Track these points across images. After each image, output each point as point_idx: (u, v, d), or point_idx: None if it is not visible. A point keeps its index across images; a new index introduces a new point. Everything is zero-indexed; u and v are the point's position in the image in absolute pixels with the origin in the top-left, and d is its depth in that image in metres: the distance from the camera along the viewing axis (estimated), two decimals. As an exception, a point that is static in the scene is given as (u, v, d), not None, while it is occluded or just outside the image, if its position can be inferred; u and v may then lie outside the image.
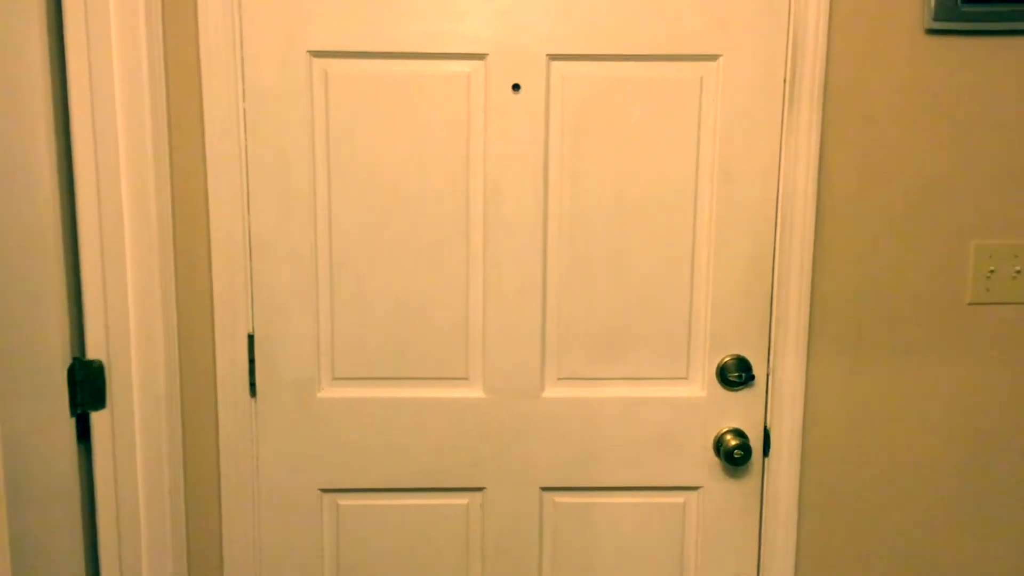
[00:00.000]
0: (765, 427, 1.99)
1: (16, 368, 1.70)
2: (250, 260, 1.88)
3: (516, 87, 1.86)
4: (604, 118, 1.88)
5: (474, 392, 1.97)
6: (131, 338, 1.79)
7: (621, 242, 1.92)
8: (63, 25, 1.66)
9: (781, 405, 1.96)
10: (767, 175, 1.90)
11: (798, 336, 1.94)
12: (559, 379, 1.97)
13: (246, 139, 1.84)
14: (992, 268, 1.93)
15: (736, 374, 1.94)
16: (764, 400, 1.98)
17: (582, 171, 1.89)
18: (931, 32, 1.85)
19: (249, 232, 1.87)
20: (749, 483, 2.01)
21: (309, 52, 1.82)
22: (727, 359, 1.96)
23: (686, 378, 1.98)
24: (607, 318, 1.95)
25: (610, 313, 1.95)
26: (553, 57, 1.85)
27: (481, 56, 1.84)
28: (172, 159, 1.83)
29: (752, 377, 1.96)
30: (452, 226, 1.90)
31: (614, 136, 1.88)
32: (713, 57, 1.86)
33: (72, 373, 1.74)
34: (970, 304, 1.95)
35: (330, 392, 1.96)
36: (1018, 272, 1.93)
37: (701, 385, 1.98)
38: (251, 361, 1.92)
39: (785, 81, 1.87)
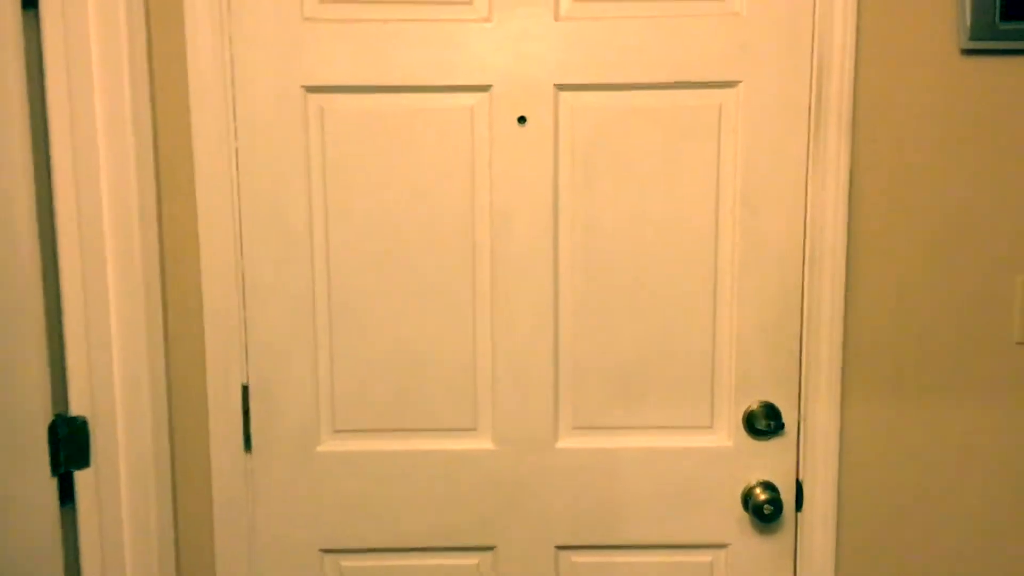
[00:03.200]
0: (797, 480, 1.85)
1: (-7, 425, 1.60)
2: (244, 306, 1.78)
3: (522, 119, 1.75)
4: (617, 150, 1.76)
5: (483, 443, 1.84)
6: (116, 392, 1.69)
7: (638, 280, 1.80)
8: (42, 67, 1.58)
9: (814, 455, 1.82)
10: (793, 207, 1.78)
11: (831, 379, 1.80)
12: (574, 428, 1.84)
13: (238, 179, 1.74)
14: (1040, 303, 1.79)
15: (764, 422, 1.80)
16: (795, 450, 1.84)
17: (594, 205, 1.78)
18: (967, 52, 1.73)
19: (243, 277, 1.77)
20: (781, 540, 1.86)
21: (303, 87, 1.73)
22: (754, 406, 1.83)
23: (710, 427, 1.84)
24: (624, 361, 1.82)
25: (627, 356, 1.82)
26: (561, 87, 1.75)
27: (485, 88, 1.74)
28: (160, 202, 1.73)
29: (782, 425, 1.82)
30: (458, 266, 1.78)
31: (628, 168, 1.77)
32: (732, 83, 1.75)
33: (54, 430, 1.64)
34: (1019, 344, 1.80)
35: (330, 445, 1.84)
36: (1069, 307, 1.79)
37: (727, 434, 1.84)
38: (246, 413, 1.81)
39: (810, 107, 1.75)
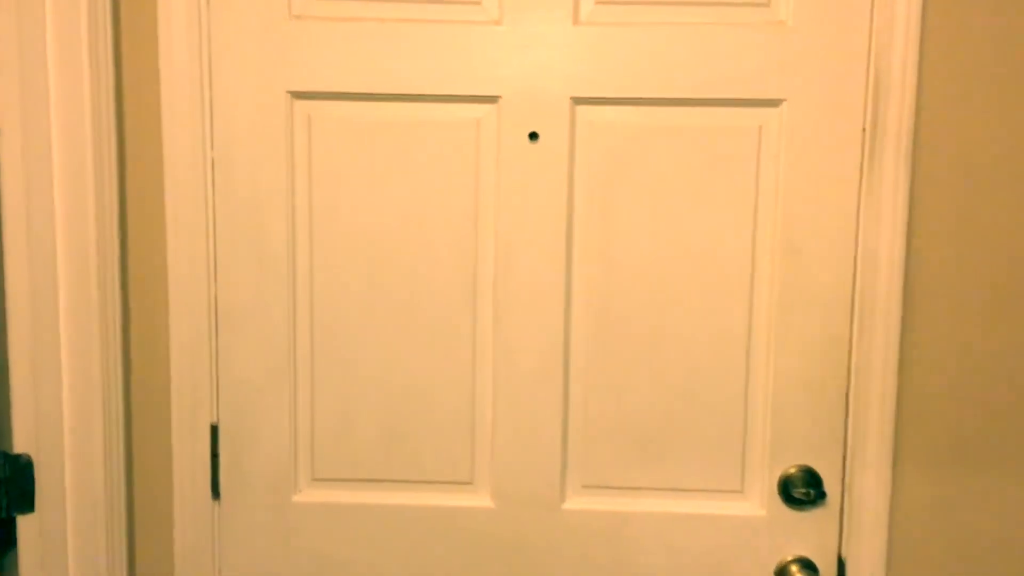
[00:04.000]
0: (839, 557, 1.60)
1: (-77, 462, 1.42)
2: (215, 336, 1.59)
3: (534, 136, 1.55)
4: (640, 173, 1.55)
5: (481, 500, 1.63)
6: (66, 428, 1.50)
7: (661, 321, 1.58)
8: (-7, 57, 1.41)
9: (860, 530, 1.58)
10: (841, 244, 1.55)
11: (881, 443, 1.56)
12: (583, 487, 1.62)
13: (214, 194, 1.56)
14: None
15: (803, 490, 1.56)
16: (838, 523, 1.60)
17: (613, 236, 1.56)
18: (1050, 71, 1.49)
19: (215, 303, 1.58)
20: (818, 627, 1.62)
21: (290, 93, 1.54)
22: (791, 470, 1.59)
23: (741, 491, 1.61)
24: (643, 414, 1.60)
25: (647, 408, 1.60)
26: (578, 100, 1.54)
27: (493, 99, 1.54)
28: (124, 218, 1.55)
29: (823, 494, 1.58)
30: (457, 299, 1.58)
31: (652, 195, 1.55)
32: (775, 102, 1.53)
33: (-6, 469, 1.46)
34: (1103, 411, 1.55)
35: (308, 495, 1.63)
36: None
37: (759, 502, 1.61)
38: (214, 456, 1.61)
39: (864, 130, 1.52)
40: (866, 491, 1.57)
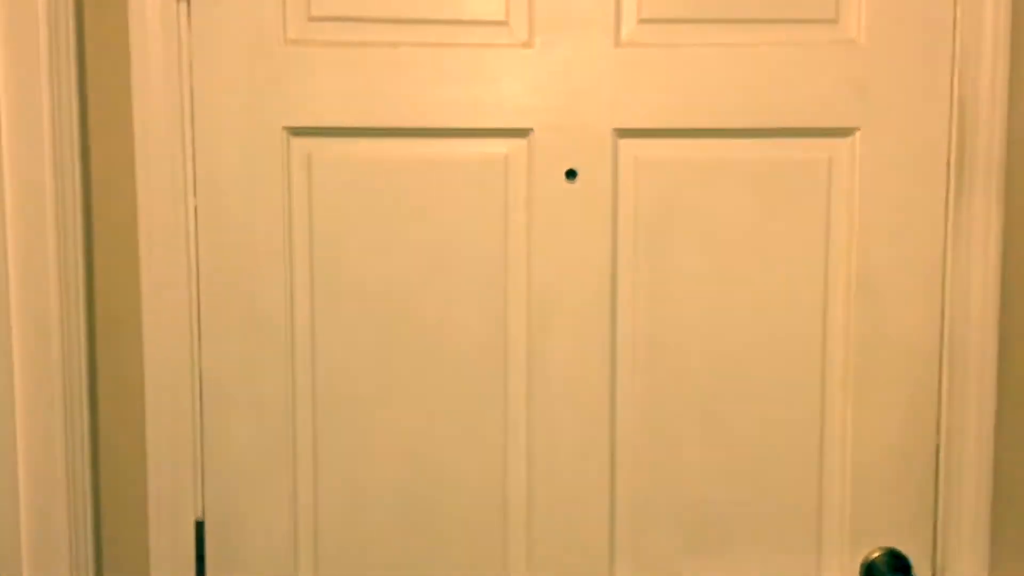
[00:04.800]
0: (935, 655, 1.39)
1: None
2: (200, 413, 1.35)
3: (571, 173, 1.34)
4: (693, 214, 1.35)
5: (514, 600, 1.39)
6: (22, 534, 1.25)
7: (719, 386, 1.37)
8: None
9: (957, 622, 1.37)
10: (926, 289, 1.35)
11: (977, 523, 1.37)
12: (633, 579, 1.40)
13: (197, 248, 1.33)
14: None
15: (890, 577, 1.35)
16: (932, 615, 1.39)
17: (663, 287, 1.36)
18: None
19: (200, 374, 1.34)
20: None
21: (286, 129, 1.32)
22: (875, 554, 1.38)
23: (816, 580, 1.39)
24: (702, 496, 1.38)
25: (706, 489, 1.38)
26: (621, 133, 1.34)
27: (524, 132, 1.33)
28: (91, 280, 1.31)
29: (913, 581, 1.37)
30: (485, 361, 1.36)
31: (707, 239, 1.35)
32: (847, 131, 1.34)
33: (-68, 586, 1.20)
34: None
35: (311, 598, 1.39)
36: None
37: (839, 592, 1.39)
38: (200, 559, 1.36)
39: (949, 162, 1.34)
40: (962, 576, 1.36)
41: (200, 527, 1.36)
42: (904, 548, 1.38)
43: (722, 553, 1.39)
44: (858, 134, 1.34)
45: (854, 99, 1.33)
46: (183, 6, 1.29)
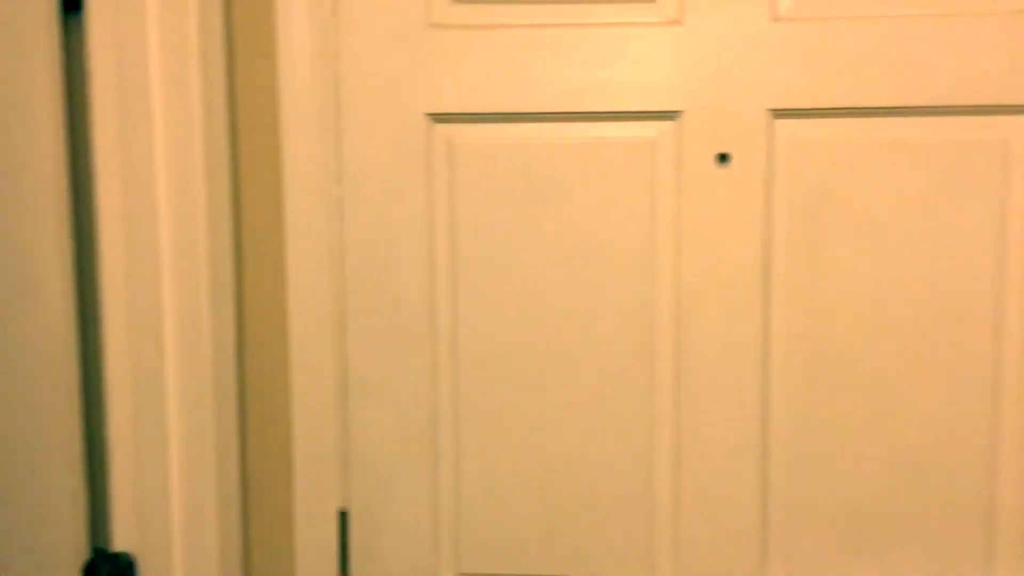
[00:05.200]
0: (1123, 676, 1.28)
1: (8, 561, 1.20)
2: (345, 406, 1.34)
3: (724, 158, 1.27)
4: (855, 199, 1.27)
5: (660, 599, 1.35)
6: (174, 521, 1.26)
7: (883, 383, 1.29)
8: (87, 92, 1.19)
9: None
10: (1116, 283, 1.24)
11: None
12: (786, 583, 1.33)
13: (342, 238, 1.32)
14: None
15: (1073, 590, 1.25)
16: (1119, 632, 1.28)
17: (822, 278, 1.28)
18: None
19: (345, 369, 1.33)
20: None
21: (428, 115, 1.30)
22: (1055, 565, 1.28)
23: (985, 589, 1.30)
24: (862, 495, 1.30)
25: (867, 488, 1.30)
26: (778, 113, 1.26)
27: (672, 115, 1.27)
28: (240, 272, 1.31)
29: (1099, 595, 1.26)
30: (629, 356, 1.31)
31: (871, 226, 1.27)
32: (1026, 107, 1.24)
33: (92, 571, 1.23)
34: None
35: (453, 593, 1.37)
36: None
37: (1013, 603, 1.30)
38: (343, 547, 1.36)
39: None
40: None
41: (343, 517, 1.36)
42: (1087, 559, 1.28)
43: (883, 555, 1.31)
44: (1041, 110, 1.23)
45: (1037, 72, 1.22)
46: (326, -7, 1.27)
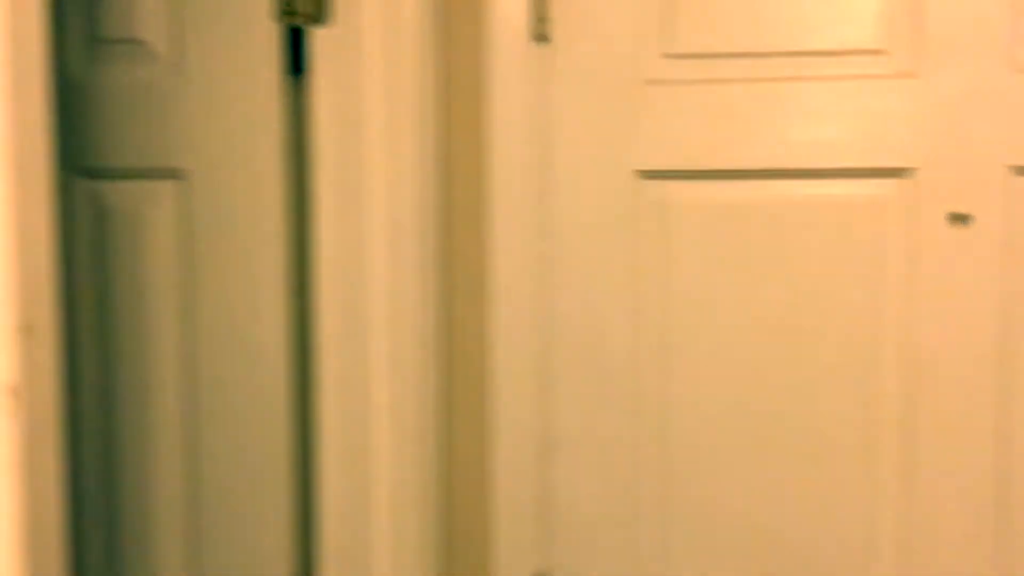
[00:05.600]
0: None
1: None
2: (548, 465, 1.31)
3: (961, 218, 1.19)
4: (1109, 265, 1.16)
5: None
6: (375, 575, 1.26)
7: None
8: (308, 150, 1.21)
9: None
10: None
11: None
12: None
13: (549, 295, 1.29)
14: None
15: None
16: None
17: (1071, 349, 1.17)
18: None
19: (549, 426, 1.30)
20: None
21: (637, 172, 1.27)
22: None
23: None
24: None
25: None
26: (1019, 170, 1.17)
27: (904, 172, 1.20)
28: (446, 323, 1.31)
29: None
30: (851, 427, 1.23)
31: None
32: None
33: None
34: None
35: (653, 667, 1.31)
36: None
37: None
38: (541, 613, 1.33)
39: None
40: None
41: (542, 581, 1.33)
42: None
43: None
44: None
45: None
46: (543, 48, 1.26)
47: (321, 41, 1.19)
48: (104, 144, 1.16)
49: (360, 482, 1.24)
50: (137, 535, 1.24)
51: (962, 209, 1.19)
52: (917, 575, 1.22)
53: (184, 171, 1.20)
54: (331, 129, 1.21)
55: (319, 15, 1.17)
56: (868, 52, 1.21)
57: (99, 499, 1.26)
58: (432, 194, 1.26)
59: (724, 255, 1.25)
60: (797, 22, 1.21)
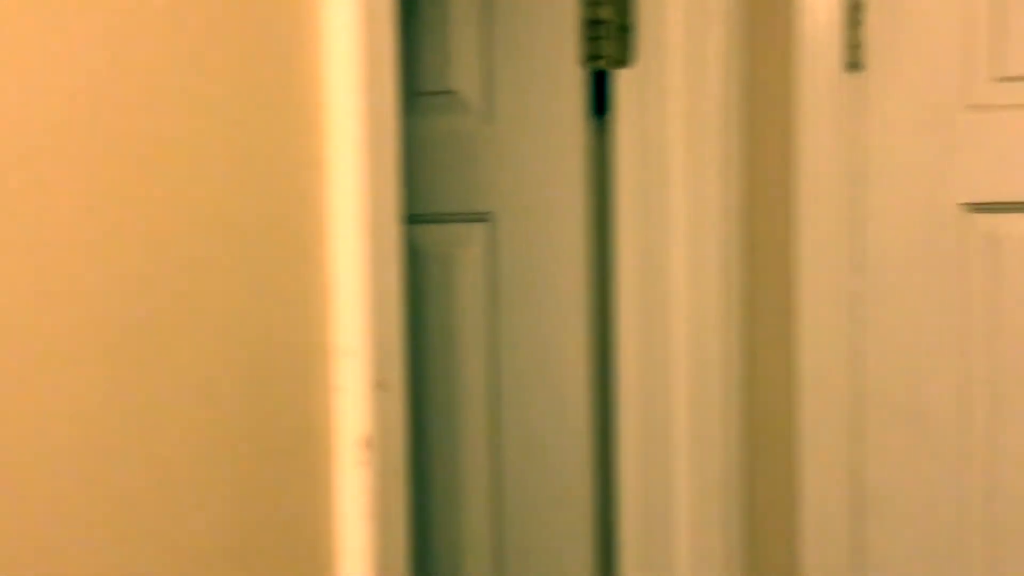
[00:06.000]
0: None
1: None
2: (860, 521, 1.23)
3: None
4: None
5: None
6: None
7: None
8: (608, 188, 1.21)
9: None
10: None
11: None
12: None
13: (861, 335, 1.21)
14: None
15: None
16: None
17: None
18: None
19: (862, 480, 1.22)
20: None
21: (963, 205, 1.16)
22: None
23: None
24: None
25: None
26: None
27: None
28: (748, 364, 1.26)
29: None
30: None
31: None
32: None
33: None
34: None
35: None
36: None
37: None
38: (851, 676, 1.24)
39: None
40: None
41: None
42: None
43: None
44: None
45: None
46: (855, 77, 1.19)
47: (624, 82, 1.19)
48: (419, 191, 1.22)
49: (661, 540, 1.21)
50: (448, 566, 1.29)
51: None
52: None
53: (491, 213, 1.24)
54: (633, 169, 1.20)
55: (624, 58, 1.17)
56: None
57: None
58: (736, 234, 1.22)
59: (1068, 295, 1.13)
60: None
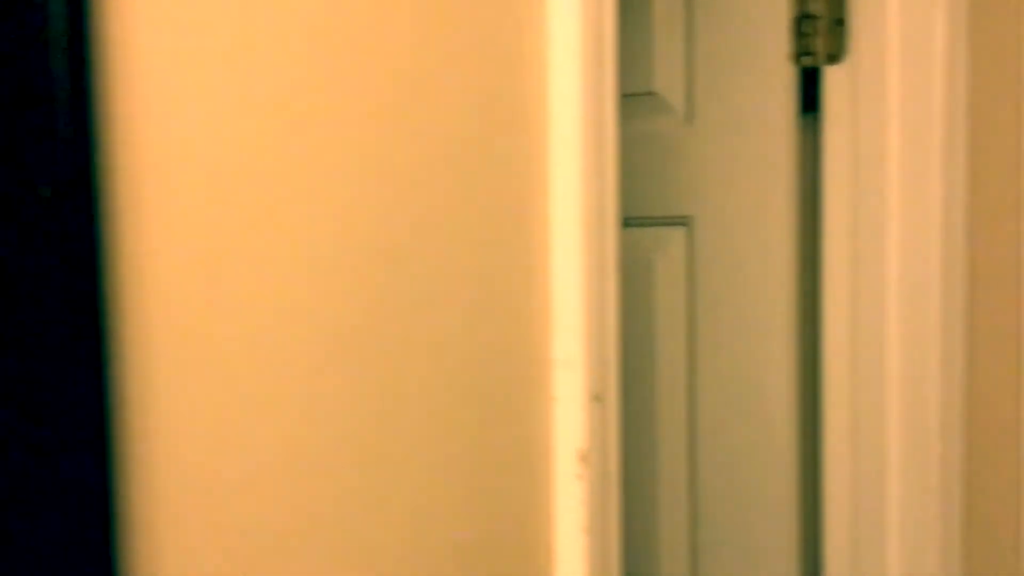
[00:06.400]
0: None
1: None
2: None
3: None
4: None
5: None
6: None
7: None
8: (817, 187, 1.16)
9: None
10: None
11: None
12: None
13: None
14: None
15: None
16: None
17: None
18: None
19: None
20: None
21: None
22: None
23: None
24: None
25: None
26: None
27: None
28: (968, 386, 1.17)
29: None
30: None
31: None
32: None
33: None
34: None
35: None
36: None
37: None
38: None
39: None
40: None
41: None
42: None
43: None
44: None
45: None
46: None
47: (835, 78, 1.13)
48: (623, 195, 1.21)
49: (871, 553, 1.15)
50: None
51: None
52: None
53: (690, 217, 1.21)
54: (844, 168, 1.14)
55: (838, 53, 1.11)
56: None
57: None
58: (959, 242, 1.14)
59: None
60: None
